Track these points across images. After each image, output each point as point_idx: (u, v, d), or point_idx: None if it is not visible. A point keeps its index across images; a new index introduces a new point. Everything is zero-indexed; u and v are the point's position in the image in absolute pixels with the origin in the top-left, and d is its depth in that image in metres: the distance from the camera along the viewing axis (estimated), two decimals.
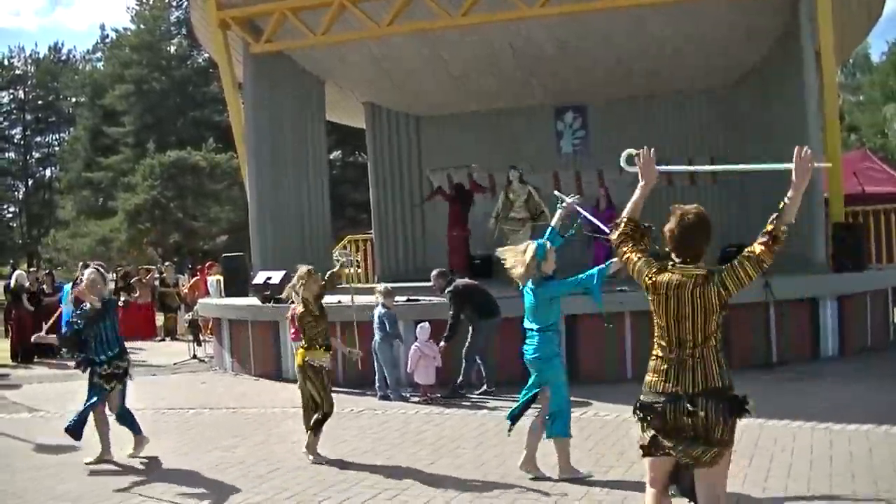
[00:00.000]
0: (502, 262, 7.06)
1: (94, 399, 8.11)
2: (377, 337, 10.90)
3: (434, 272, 11.11)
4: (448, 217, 16.07)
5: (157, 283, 21.21)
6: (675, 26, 14.53)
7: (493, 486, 6.74)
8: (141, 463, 8.12)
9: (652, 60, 15.98)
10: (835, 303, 11.94)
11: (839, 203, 13.48)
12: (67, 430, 8.11)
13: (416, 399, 10.61)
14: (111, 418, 8.35)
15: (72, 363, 8.83)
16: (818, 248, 12.90)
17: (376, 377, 10.99)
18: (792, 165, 4.33)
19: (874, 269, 13.67)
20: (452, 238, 16.00)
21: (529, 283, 6.91)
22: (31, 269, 28.51)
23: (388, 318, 10.86)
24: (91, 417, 8.19)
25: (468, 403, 10.26)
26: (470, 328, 10.74)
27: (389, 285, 11.52)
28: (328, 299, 12.30)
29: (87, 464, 8.06)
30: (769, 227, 4.33)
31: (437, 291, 10.95)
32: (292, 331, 10.87)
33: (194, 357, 15.66)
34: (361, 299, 12.02)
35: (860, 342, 12.31)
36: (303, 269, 7.91)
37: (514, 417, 7.11)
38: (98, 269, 8.49)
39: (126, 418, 8.37)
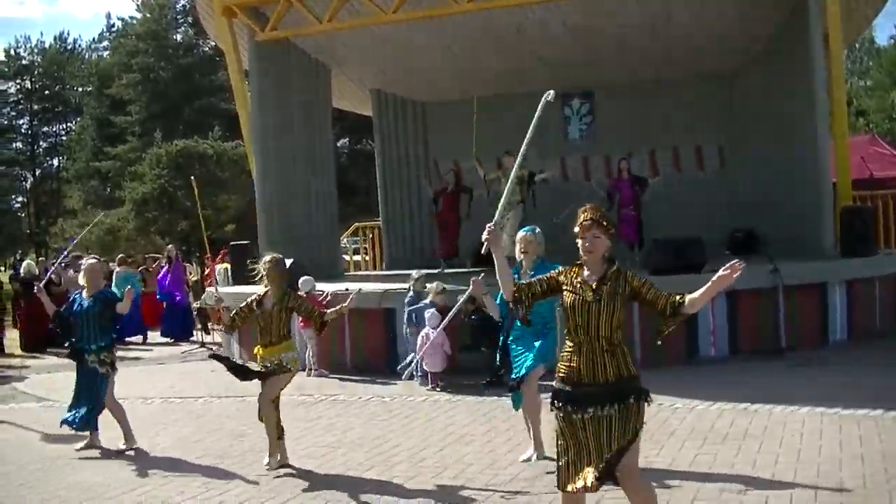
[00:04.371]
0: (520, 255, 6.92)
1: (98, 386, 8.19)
2: (407, 323, 11.11)
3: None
4: (442, 202, 15.71)
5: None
6: (682, 8, 14.45)
7: (504, 471, 6.75)
8: (153, 451, 8.17)
9: (659, 45, 15.88)
10: (843, 287, 11.88)
11: (847, 187, 13.42)
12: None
13: (426, 387, 10.62)
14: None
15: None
16: (826, 233, 12.83)
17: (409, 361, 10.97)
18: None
19: (883, 253, 13.60)
20: (444, 222, 15.63)
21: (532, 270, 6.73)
22: (41, 259, 28.55)
23: (417, 304, 11.04)
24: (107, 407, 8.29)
25: (476, 391, 10.24)
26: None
27: (424, 271, 11.70)
28: (336, 286, 12.42)
29: (118, 450, 8.15)
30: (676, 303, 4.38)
31: (462, 317, 10.69)
32: (300, 320, 10.80)
33: (202, 345, 15.70)
34: (370, 286, 12.00)
35: (869, 327, 12.24)
36: (268, 256, 7.74)
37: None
38: (98, 260, 8.52)
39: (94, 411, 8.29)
